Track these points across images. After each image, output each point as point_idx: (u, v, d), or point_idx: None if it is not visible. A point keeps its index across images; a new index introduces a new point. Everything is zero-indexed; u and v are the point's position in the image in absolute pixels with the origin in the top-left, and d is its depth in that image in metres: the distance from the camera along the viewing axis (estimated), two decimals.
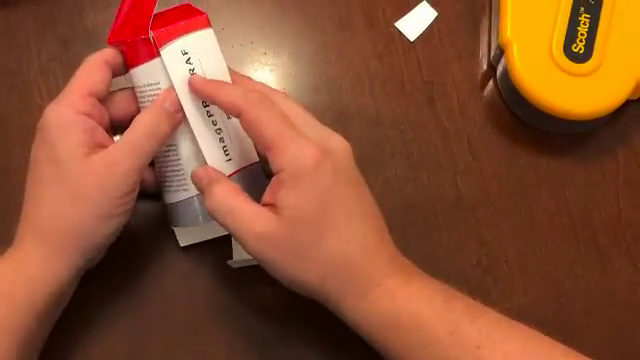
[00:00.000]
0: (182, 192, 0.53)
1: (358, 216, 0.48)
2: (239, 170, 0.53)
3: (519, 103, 0.60)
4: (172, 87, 0.51)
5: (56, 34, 0.63)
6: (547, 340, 0.47)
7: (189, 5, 0.52)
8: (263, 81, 0.61)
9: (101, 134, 0.50)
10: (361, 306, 0.48)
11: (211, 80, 0.51)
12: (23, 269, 0.49)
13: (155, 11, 0.51)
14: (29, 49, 0.63)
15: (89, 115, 0.50)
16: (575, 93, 0.59)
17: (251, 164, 0.54)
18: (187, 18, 0.52)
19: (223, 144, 0.52)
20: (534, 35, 0.59)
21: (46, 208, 0.49)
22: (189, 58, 0.51)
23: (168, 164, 0.53)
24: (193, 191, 0.52)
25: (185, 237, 0.56)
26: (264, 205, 0.48)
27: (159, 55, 0.50)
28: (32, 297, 0.48)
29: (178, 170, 0.53)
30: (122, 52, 0.52)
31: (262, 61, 0.63)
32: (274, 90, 0.53)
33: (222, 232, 0.54)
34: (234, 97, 0.49)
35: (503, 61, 0.60)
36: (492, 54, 0.63)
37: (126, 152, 0.49)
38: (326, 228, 0.47)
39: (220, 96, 0.49)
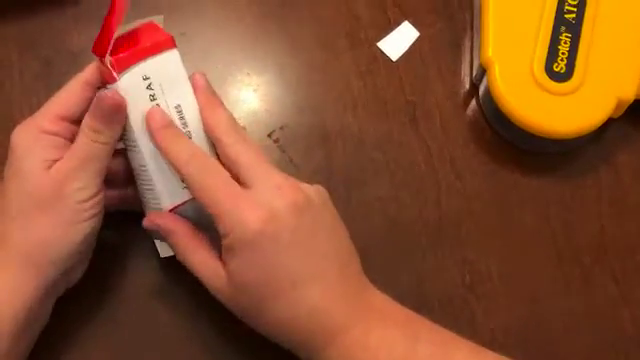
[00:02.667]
0: (157, 207, 0.53)
1: (306, 278, 0.48)
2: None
3: (502, 122, 0.61)
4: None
5: (39, 54, 0.63)
6: None
7: (153, 24, 0.52)
8: (247, 101, 0.61)
9: (64, 149, 0.50)
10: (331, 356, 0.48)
11: (166, 128, 0.50)
12: None
13: (123, 28, 0.50)
14: (12, 69, 0.63)
15: (56, 134, 0.50)
16: (557, 112, 0.59)
17: None
18: (151, 38, 0.51)
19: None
20: (516, 54, 0.60)
21: (14, 222, 0.49)
22: (150, 84, 0.50)
23: (142, 181, 0.53)
24: (167, 207, 0.52)
25: (165, 248, 0.55)
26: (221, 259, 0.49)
27: (116, 78, 0.50)
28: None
29: (151, 188, 0.52)
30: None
31: (245, 81, 0.63)
32: (234, 129, 0.51)
33: None
34: (179, 161, 0.49)
35: (485, 80, 0.61)
36: (474, 73, 0.63)
37: (78, 156, 0.49)
38: (271, 295, 0.47)
39: (167, 152, 0.50)
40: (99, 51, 0.49)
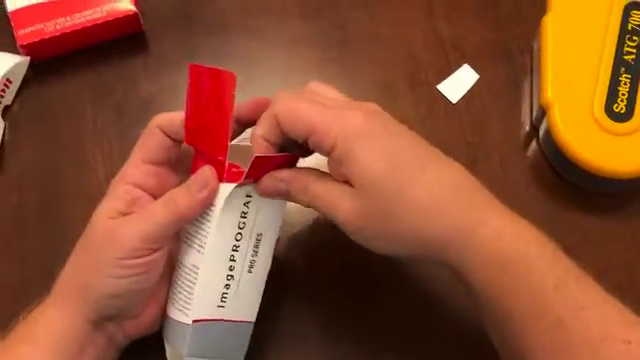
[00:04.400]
0: (181, 314, 0.51)
1: (432, 161, 0.48)
2: (226, 320, 0.52)
3: (562, 163, 0.61)
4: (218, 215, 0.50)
5: (111, 102, 0.66)
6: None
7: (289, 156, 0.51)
8: None
9: (146, 202, 0.51)
10: (466, 250, 0.46)
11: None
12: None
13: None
14: (85, 116, 0.65)
15: (138, 184, 0.51)
16: (618, 152, 0.59)
17: (242, 321, 0.53)
18: (266, 167, 0.50)
19: (225, 291, 0.51)
20: (575, 95, 0.60)
21: (68, 263, 0.51)
22: (249, 202, 0.50)
23: (183, 280, 0.51)
24: (190, 319, 0.51)
25: (174, 355, 0.53)
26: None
27: (222, 182, 0.50)
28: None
29: (189, 292, 0.51)
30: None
31: None
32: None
33: None
34: (269, 109, 0.49)
35: (545, 122, 0.61)
36: (534, 115, 0.63)
37: (139, 216, 0.49)
38: (404, 183, 0.46)
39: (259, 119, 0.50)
40: (218, 151, 0.49)
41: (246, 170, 0.48)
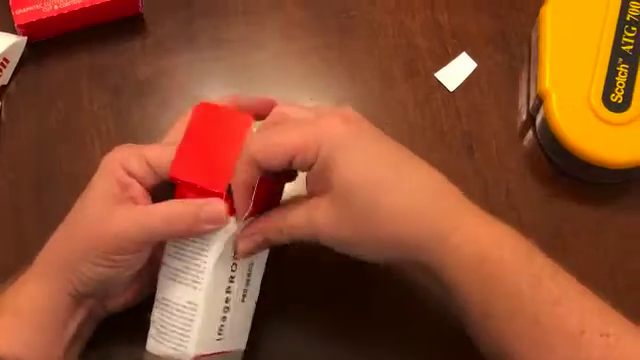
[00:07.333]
0: (177, 353, 0.49)
1: (409, 166, 0.48)
2: (222, 353, 0.51)
3: (558, 152, 0.61)
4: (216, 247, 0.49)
5: (108, 84, 0.66)
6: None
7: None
8: None
9: (137, 191, 0.50)
10: (443, 253, 0.46)
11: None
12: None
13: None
14: (82, 97, 0.65)
15: (131, 173, 0.50)
16: (614, 142, 0.59)
17: (237, 350, 0.53)
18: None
19: (222, 323, 0.51)
20: (573, 85, 0.60)
21: (53, 238, 0.51)
22: None
23: (176, 318, 0.49)
24: (189, 357, 0.49)
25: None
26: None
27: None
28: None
29: (186, 329, 0.49)
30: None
31: None
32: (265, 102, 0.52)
33: None
34: (244, 156, 0.48)
35: (542, 111, 0.61)
36: (531, 104, 0.64)
37: (134, 216, 0.49)
38: (379, 187, 0.47)
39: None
40: (217, 186, 0.49)
41: (250, 204, 0.48)
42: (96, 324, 0.54)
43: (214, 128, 0.50)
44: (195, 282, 0.49)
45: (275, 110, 0.51)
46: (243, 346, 0.54)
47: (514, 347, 0.45)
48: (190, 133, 0.50)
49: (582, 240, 0.61)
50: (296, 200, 0.50)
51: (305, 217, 0.48)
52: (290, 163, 0.47)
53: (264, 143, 0.48)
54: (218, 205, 0.49)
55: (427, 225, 0.47)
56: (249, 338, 0.54)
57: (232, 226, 0.49)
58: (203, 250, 0.49)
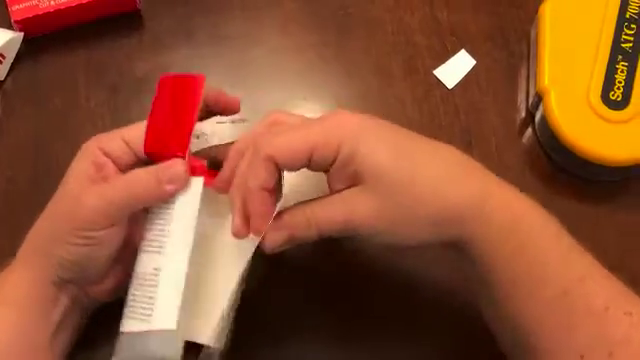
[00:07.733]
0: (141, 322, 0.49)
1: (428, 144, 0.49)
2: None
3: (557, 149, 0.61)
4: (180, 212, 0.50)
5: (105, 80, 0.65)
6: None
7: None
8: None
9: (110, 169, 0.51)
10: (480, 218, 0.47)
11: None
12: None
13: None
14: (78, 93, 0.65)
15: (107, 153, 0.51)
16: (613, 140, 0.59)
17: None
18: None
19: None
20: (572, 82, 0.60)
21: (35, 224, 0.51)
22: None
23: (144, 286, 0.49)
24: (153, 326, 0.48)
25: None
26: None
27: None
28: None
29: (151, 295, 0.49)
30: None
31: (302, 105, 0.65)
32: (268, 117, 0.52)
33: None
34: (257, 156, 0.47)
35: (541, 108, 0.61)
36: (530, 101, 0.63)
37: (101, 190, 0.49)
38: (412, 165, 0.47)
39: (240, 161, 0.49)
40: (178, 149, 0.50)
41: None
42: (82, 314, 0.54)
43: (173, 96, 0.51)
44: (160, 247, 0.49)
45: (270, 114, 0.51)
46: (212, 340, 0.50)
47: (539, 316, 0.46)
48: (154, 108, 0.51)
49: (581, 237, 0.60)
50: (326, 197, 0.48)
51: (343, 212, 0.47)
52: (309, 161, 0.47)
53: (282, 142, 0.47)
54: (177, 165, 0.49)
55: (467, 189, 0.47)
56: (249, 338, 0.54)
57: (196, 189, 0.50)
58: (168, 215, 0.50)
